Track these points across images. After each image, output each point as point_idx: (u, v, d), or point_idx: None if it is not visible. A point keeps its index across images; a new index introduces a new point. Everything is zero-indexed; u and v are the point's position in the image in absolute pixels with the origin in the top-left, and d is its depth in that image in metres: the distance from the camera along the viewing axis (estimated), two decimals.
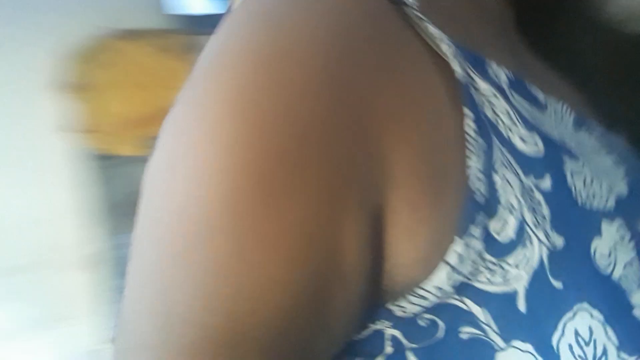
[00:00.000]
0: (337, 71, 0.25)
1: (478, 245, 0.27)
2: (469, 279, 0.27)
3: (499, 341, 0.28)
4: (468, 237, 0.27)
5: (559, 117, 0.34)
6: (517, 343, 0.28)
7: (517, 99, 0.31)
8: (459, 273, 0.27)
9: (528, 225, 0.28)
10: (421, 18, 0.29)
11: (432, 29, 0.28)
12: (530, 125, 0.31)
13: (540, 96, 0.33)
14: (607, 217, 0.31)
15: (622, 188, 0.33)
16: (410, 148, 0.26)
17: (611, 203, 0.32)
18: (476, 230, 0.27)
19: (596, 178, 0.32)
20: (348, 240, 0.25)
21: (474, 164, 0.27)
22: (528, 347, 0.28)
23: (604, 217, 0.31)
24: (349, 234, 0.25)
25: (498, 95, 0.30)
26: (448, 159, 0.27)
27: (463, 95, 0.28)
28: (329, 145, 0.24)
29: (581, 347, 0.28)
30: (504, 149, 0.29)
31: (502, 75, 0.31)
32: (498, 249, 0.27)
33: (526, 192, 0.29)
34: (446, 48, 0.28)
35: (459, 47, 0.29)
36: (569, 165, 0.31)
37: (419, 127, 0.27)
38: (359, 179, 0.25)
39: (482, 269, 0.27)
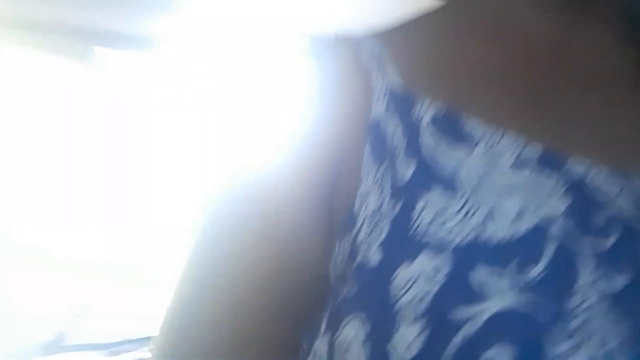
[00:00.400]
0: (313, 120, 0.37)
1: (347, 249, 0.35)
2: (340, 274, 0.36)
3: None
4: (342, 242, 0.35)
5: (491, 153, 0.34)
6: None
7: (428, 132, 0.35)
8: (336, 267, 0.36)
9: (357, 240, 0.34)
10: (370, 69, 0.37)
11: (376, 77, 0.37)
12: (415, 154, 0.34)
13: (477, 132, 0.35)
14: (435, 250, 0.31)
15: (501, 232, 0.32)
16: (342, 171, 0.36)
17: (460, 240, 0.31)
18: (347, 239, 0.35)
19: (465, 214, 0.32)
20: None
21: (363, 187, 0.35)
22: (326, 340, 0.35)
23: (430, 248, 0.31)
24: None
25: (402, 127, 0.35)
26: (350, 181, 0.35)
27: (370, 127, 0.36)
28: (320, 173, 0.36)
29: (341, 356, 0.33)
30: (388, 173, 0.34)
31: (429, 112, 0.36)
32: (352, 253, 0.35)
33: (378, 211, 0.34)
34: (379, 91, 0.36)
35: (393, 91, 0.36)
36: (433, 196, 0.33)
37: (347, 153, 0.36)
38: (327, 191, 0.36)
39: (347, 269, 0.35)
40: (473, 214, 0.32)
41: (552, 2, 0.40)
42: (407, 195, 0.33)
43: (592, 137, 0.35)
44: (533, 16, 0.40)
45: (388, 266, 0.32)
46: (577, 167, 0.34)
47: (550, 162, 0.34)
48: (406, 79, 0.37)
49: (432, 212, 0.33)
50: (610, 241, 0.31)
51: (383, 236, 0.33)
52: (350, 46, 0.39)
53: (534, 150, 0.34)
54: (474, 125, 0.35)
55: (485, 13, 0.41)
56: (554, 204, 0.32)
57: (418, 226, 0.32)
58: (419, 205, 0.33)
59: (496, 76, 0.38)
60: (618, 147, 0.35)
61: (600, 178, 0.33)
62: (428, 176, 0.34)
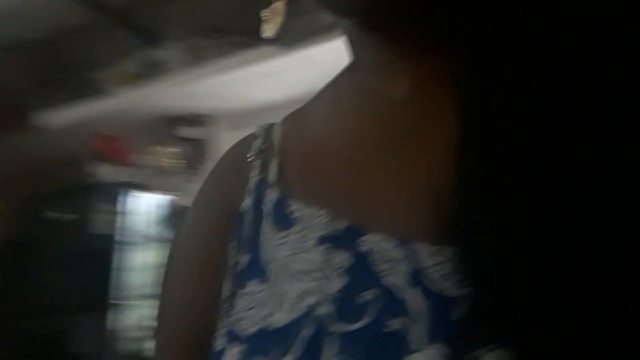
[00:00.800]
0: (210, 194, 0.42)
1: None
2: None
3: None
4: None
5: (302, 235, 0.34)
6: None
7: (267, 221, 0.36)
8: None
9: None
10: (254, 162, 0.39)
11: (255, 171, 0.39)
12: (253, 244, 0.36)
13: (297, 215, 0.35)
14: (239, 340, 0.33)
15: (280, 319, 0.32)
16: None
17: (253, 330, 0.33)
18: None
19: (264, 302, 0.33)
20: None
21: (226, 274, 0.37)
22: None
23: (238, 338, 0.33)
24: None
25: (255, 217, 0.37)
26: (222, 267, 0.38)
27: (236, 219, 0.38)
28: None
29: None
30: (235, 263, 0.36)
31: (271, 200, 0.36)
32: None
33: (227, 300, 0.36)
34: (252, 183, 0.38)
35: (260, 183, 0.38)
36: (251, 286, 0.34)
37: (222, 242, 0.38)
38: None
39: None
40: (269, 301, 0.33)
41: (389, 60, 0.36)
42: (236, 286, 0.36)
43: (394, 208, 0.33)
44: (378, 77, 0.37)
45: (219, 354, 0.34)
46: (369, 242, 0.32)
47: (346, 239, 0.33)
48: (279, 169, 0.38)
49: (245, 302, 0.34)
50: (362, 323, 0.30)
51: (224, 324, 0.35)
52: (250, 138, 0.41)
53: (337, 228, 0.33)
54: (296, 209, 0.35)
55: (348, 85, 0.40)
56: (330, 286, 0.32)
57: (235, 316, 0.34)
58: (240, 295, 0.35)
59: (330, 154, 0.37)
60: (414, 216, 0.32)
61: (387, 252, 0.31)
62: (252, 266, 0.35)
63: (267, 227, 0.35)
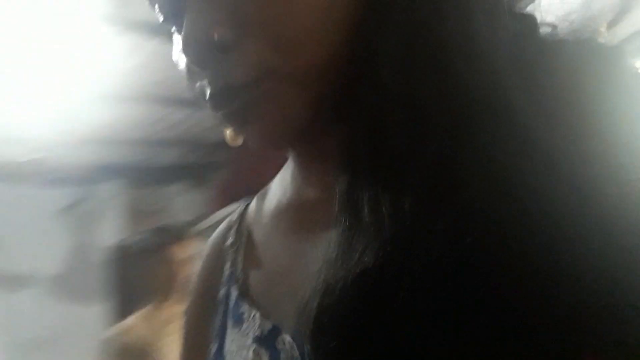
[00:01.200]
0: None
1: None
2: None
3: None
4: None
5: (245, 332, 0.38)
6: None
7: (229, 313, 0.40)
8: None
9: None
10: (226, 252, 0.44)
11: (227, 271, 0.43)
12: (219, 335, 0.40)
13: (245, 314, 0.39)
14: None
15: None
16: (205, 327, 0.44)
17: None
18: None
19: None
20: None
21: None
22: None
23: None
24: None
25: (225, 310, 0.41)
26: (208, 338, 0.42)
27: (217, 303, 0.42)
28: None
29: None
30: (212, 346, 0.41)
31: (234, 296, 0.41)
32: None
33: None
34: (225, 275, 0.43)
35: (230, 275, 0.42)
36: None
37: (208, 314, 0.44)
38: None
39: None
40: None
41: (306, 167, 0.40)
42: None
43: (297, 309, 0.32)
44: (300, 180, 0.41)
45: None
46: (281, 343, 0.35)
47: (269, 339, 0.36)
48: (244, 264, 0.42)
49: None
50: None
51: None
52: (229, 225, 0.46)
53: (264, 329, 0.37)
54: (245, 309, 0.39)
55: (286, 181, 0.43)
56: None
57: None
58: None
59: (266, 254, 0.41)
60: (310, 318, 0.31)
61: (292, 351, 0.34)
62: (218, 356, 0.40)
63: (229, 321, 0.40)
